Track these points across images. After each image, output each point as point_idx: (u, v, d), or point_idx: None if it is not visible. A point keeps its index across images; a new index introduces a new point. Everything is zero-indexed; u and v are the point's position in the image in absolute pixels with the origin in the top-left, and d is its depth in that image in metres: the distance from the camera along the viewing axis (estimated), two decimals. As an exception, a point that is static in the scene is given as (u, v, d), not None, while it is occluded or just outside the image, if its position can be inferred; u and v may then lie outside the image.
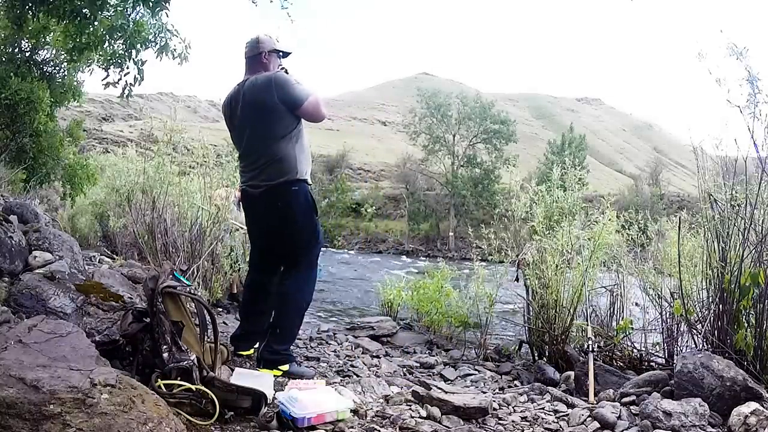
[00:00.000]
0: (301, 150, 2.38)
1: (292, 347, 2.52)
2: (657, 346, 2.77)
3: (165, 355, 1.60)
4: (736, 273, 2.21)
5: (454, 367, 3.15)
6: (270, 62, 2.45)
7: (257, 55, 2.43)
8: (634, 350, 2.78)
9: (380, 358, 3.26)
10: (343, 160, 41.50)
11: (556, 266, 3.10)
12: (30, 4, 4.22)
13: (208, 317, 1.83)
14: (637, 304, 3.10)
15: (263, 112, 2.32)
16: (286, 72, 2.48)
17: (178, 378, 1.55)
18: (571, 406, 2.11)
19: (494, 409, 2.01)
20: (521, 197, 3.70)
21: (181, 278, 1.90)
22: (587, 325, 2.80)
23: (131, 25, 4.40)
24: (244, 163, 2.51)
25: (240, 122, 2.44)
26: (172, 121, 4.21)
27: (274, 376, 2.19)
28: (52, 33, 5.71)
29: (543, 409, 2.10)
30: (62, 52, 5.71)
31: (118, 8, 4.26)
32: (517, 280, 3.58)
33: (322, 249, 2.63)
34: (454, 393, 2.03)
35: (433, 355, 3.47)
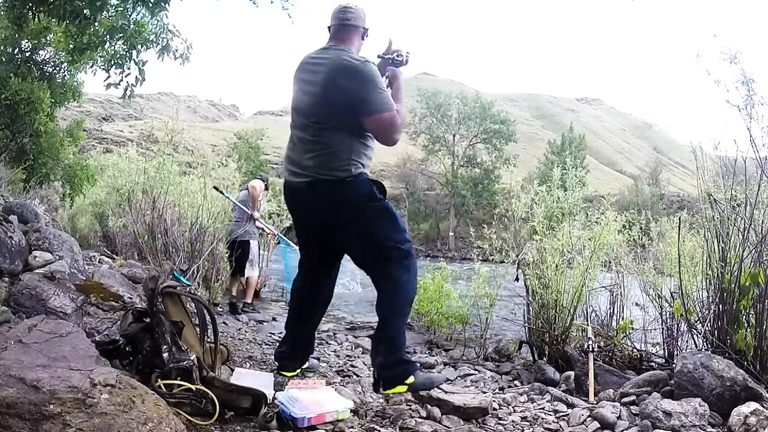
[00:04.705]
0: (365, 144, 2.02)
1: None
2: (657, 346, 2.77)
3: (165, 355, 1.60)
4: (736, 273, 2.21)
5: (454, 367, 3.14)
6: (362, 44, 2.16)
7: (358, 28, 2.13)
8: (634, 350, 2.78)
9: (380, 358, 3.25)
10: (343, 160, 41.48)
11: (556, 266, 3.10)
12: (30, 5, 4.23)
13: (208, 317, 1.83)
14: (637, 304, 3.10)
15: (336, 95, 1.95)
16: (405, 61, 2.25)
17: (178, 378, 1.55)
18: (571, 406, 2.11)
19: (494, 409, 2.01)
20: (522, 197, 3.70)
21: (181, 278, 1.91)
22: (587, 325, 2.80)
23: (132, 26, 4.40)
24: (293, 144, 2.09)
25: (305, 95, 2.06)
26: (172, 121, 4.21)
27: (400, 392, 1.91)
28: (52, 33, 5.73)
29: (543, 409, 2.10)
30: (62, 53, 5.72)
31: (119, 9, 4.26)
32: (517, 280, 3.58)
33: None
34: (454, 393, 2.03)
35: (433, 355, 3.46)
